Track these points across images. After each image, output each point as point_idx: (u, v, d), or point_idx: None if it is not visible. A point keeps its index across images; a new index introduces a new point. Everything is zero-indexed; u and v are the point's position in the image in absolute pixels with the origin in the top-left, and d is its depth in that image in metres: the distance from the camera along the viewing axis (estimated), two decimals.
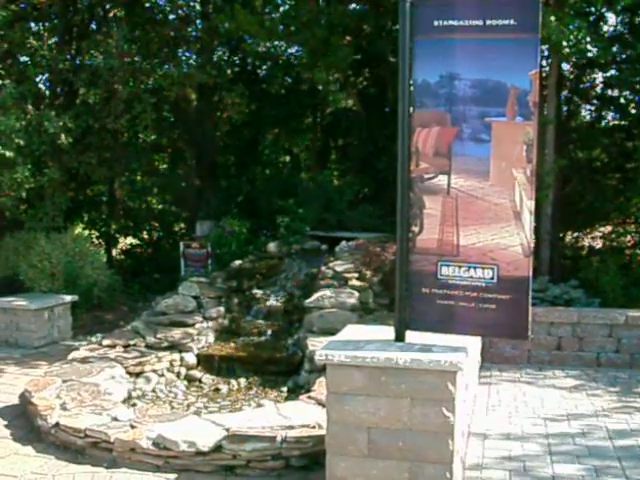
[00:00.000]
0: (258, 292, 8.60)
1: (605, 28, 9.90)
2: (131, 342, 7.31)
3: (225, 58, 12.20)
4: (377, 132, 11.22)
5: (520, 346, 7.33)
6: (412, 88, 4.20)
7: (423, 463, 4.01)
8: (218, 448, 4.78)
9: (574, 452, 5.02)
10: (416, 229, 4.29)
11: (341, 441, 4.14)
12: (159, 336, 7.37)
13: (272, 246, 9.35)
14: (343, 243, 9.18)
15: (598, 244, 11.12)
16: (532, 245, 4.06)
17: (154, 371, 7.06)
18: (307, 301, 7.88)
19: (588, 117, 12.07)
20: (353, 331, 4.72)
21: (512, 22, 4.03)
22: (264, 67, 12.18)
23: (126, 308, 9.94)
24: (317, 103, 12.20)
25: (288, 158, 13.28)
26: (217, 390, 6.99)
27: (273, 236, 9.92)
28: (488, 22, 4.07)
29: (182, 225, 12.92)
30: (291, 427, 5.00)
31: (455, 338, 4.27)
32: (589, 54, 8.62)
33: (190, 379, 7.26)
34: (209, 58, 11.37)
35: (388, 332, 4.49)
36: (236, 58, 12.03)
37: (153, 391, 6.90)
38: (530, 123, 4.02)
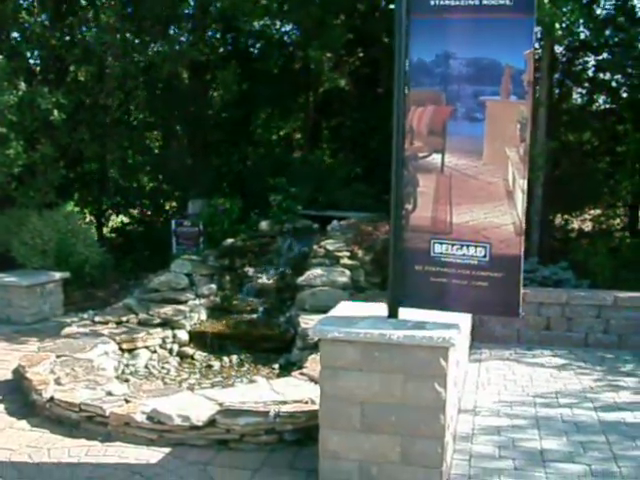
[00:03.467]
0: (250, 270, 8.64)
1: (598, 11, 9.92)
2: (124, 319, 7.35)
3: (218, 36, 12.12)
4: (369, 112, 11.23)
5: (510, 326, 7.44)
6: (408, 67, 4.23)
7: (415, 437, 4.09)
8: (212, 422, 4.83)
9: (562, 428, 5.13)
10: (410, 207, 4.32)
11: (334, 415, 4.20)
12: (151, 313, 7.41)
13: (264, 224, 9.38)
14: (334, 222, 9.22)
15: (588, 227, 11.23)
16: (524, 224, 4.11)
17: (147, 347, 7.10)
18: (299, 279, 7.94)
19: (579, 100, 12.12)
20: (346, 308, 4.77)
21: (508, 2, 4.05)
22: (257, 46, 12.12)
23: (117, 285, 9.95)
24: (310, 82, 12.18)
25: (280, 137, 13.25)
26: (209, 367, 7.05)
27: (265, 215, 9.93)
28: (484, 2, 4.09)
29: (174, 203, 12.91)
30: (284, 402, 5.06)
31: (447, 315, 4.33)
32: (582, 37, 8.65)
33: (182, 356, 7.31)
34: (201, 36, 11.29)
35: (381, 309, 4.54)
36: (229, 36, 11.95)
37: (146, 367, 6.95)
38: (524, 102, 4.05)
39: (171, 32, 11.11)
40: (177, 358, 7.26)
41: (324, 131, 13.04)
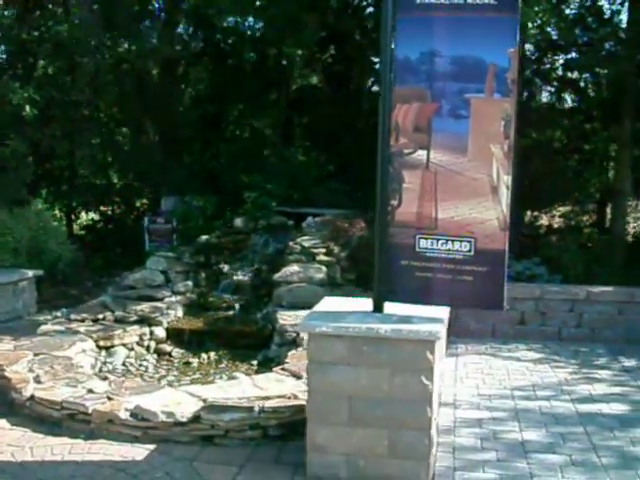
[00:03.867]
0: (225, 267, 8.62)
1: (567, 11, 10.12)
2: (100, 316, 7.27)
3: (189, 33, 12.04)
4: (342, 109, 11.28)
5: (484, 320, 7.56)
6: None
7: (402, 430, 4.14)
8: (196, 418, 4.82)
9: (541, 420, 5.24)
10: (395, 203, 4.38)
11: (322, 410, 4.24)
12: (128, 310, 7.35)
13: (239, 221, 9.37)
14: (309, 219, 9.25)
15: (557, 223, 11.45)
16: (508, 219, 4.20)
17: (124, 345, 7.04)
18: (276, 276, 7.95)
19: (548, 99, 12.35)
20: (331, 303, 4.80)
21: (492, 1, 4.13)
22: (229, 41, 12.05)
23: (90, 283, 9.85)
24: (282, 79, 12.17)
25: (252, 134, 13.22)
26: (187, 364, 7.02)
27: (239, 212, 9.91)
28: (469, 0, 4.17)
29: (144, 201, 12.79)
30: (267, 398, 5.07)
31: (430, 309, 4.40)
32: (553, 36, 8.81)
33: (160, 353, 7.26)
34: (172, 32, 11.21)
35: (366, 304, 4.59)
36: (201, 33, 11.88)
37: (123, 365, 6.89)
38: (508, 100, 4.14)
39: (142, 28, 11.02)
40: (154, 355, 7.21)
41: (296, 128, 13.06)
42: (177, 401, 5.00)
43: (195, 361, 7.05)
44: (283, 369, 5.81)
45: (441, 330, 4.09)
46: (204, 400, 5.01)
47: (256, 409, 4.88)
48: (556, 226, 11.27)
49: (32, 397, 5.22)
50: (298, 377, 5.61)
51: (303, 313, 7.26)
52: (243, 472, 4.37)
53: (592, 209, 11.22)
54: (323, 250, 8.36)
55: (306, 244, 8.42)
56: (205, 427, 4.83)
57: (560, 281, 8.16)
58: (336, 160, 11.15)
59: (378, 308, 4.41)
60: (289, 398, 5.10)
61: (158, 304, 7.60)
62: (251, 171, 10.33)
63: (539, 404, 5.58)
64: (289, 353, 6.37)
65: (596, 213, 11.22)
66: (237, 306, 8.01)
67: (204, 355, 7.16)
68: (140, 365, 6.94)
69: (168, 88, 11.57)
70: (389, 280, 4.38)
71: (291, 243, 8.54)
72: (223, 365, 7.01)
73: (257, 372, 6.69)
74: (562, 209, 11.44)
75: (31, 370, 5.71)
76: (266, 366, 6.91)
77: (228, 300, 8.09)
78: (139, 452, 4.65)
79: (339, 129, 11.20)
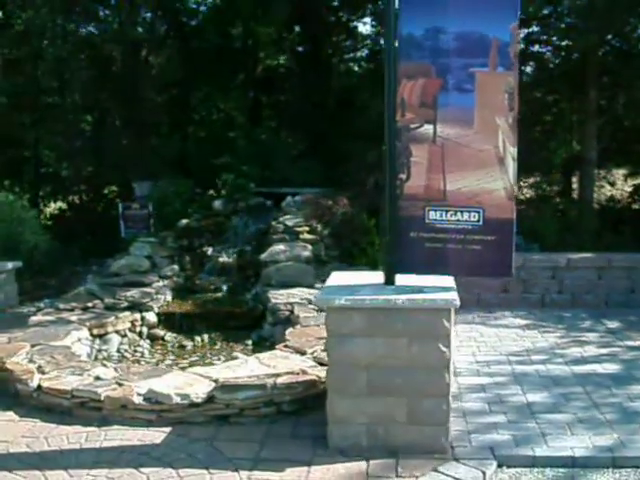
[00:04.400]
0: (209, 249, 8.63)
1: None
2: (89, 304, 7.21)
3: (155, 15, 11.82)
4: (311, 88, 11.28)
5: (470, 290, 7.74)
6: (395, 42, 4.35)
7: (421, 397, 4.28)
8: (211, 399, 4.86)
9: (540, 382, 5.45)
10: (403, 176, 4.47)
11: (342, 382, 4.34)
12: (118, 297, 7.31)
13: (217, 204, 9.35)
14: (288, 198, 9.30)
15: (527, 194, 11.73)
16: (515, 188, 4.34)
17: (117, 332, 7.01)
18: (262, 256, 8.00)
19: None
20: (341, 277, 4.89)
21: None
22: (193, 22, 11.87)
23: (67, 272, 9.70)
24: (250, 60, 12.09)
25: (220, 116, 13.11)
26: (182, 347, 7.04)
27: (213, 195, 9.89)
28: None
29: (113, 187, 12.59)
30: (277, 375, 5.13)
31: (437, 279, 4.54)
32: None
33: (153, 338, 7.26)
34: (136, 15, 11.01)
35: (375, 277, 4.71)
36: (164, 15, 11.67)
37: (118, 351, 6.88)
38: (511, 73, 4.26)
39: (104, 12, 10.80)
40: (148, 340, 7.20)
41: (265, 109, 13.00)
42: (189, 383, 5.03)
43: (189, 344, 7.07)
44: (286, 346, 5.88)
45: (456, 298, 4.22)
46: (215, 380, 5.05)
47: (269, 386, 4.95)
48: (527, 197, 11.56)
49: (39, 387, 5.18)
50: (302, 353, 5.70)
51: (294, 291, 7.48)
52: (265, 448, 4.43)
53: (559, 179, 11.55)
54: (306, 228, 8.44)
55: (289, 223, 8.48)
56: (220, 407, 4.88)
57: (538, 249, 8.41)
58: (307, 139, 11.18)
59: (389, 280, 4.52)
60: (298, 374, 5.18)
61: (147, 289, 7.57)
62: (221, 153, 10.28)
63: (536, 368, 5.79)
64: (287, 331, 6.42)
65: (563, 183, 11.56)
66: (224, 288, 8.04)
67: (197, 338, 7.18)
68: (135, 351, 6.93)
69: (133, 72, 11.37)
70: (399, 252, 4.50)
71: (274, 223, 8.59)
72: (218, 346, 7.05)
73: (253, 351, 6.76)
74: (530, 180, 11.73)
75: (32, 361, 5.65)
76: (261, 345, 6.99)
77: (215, 282, 8.12)
78: (156, 435, 4.67)
79: (309, 108, 11.22)
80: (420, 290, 4.34)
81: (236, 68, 12.14)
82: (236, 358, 6.17)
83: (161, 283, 7.84)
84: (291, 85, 11.91)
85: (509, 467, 4.19)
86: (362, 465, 4.18)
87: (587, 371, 5.68)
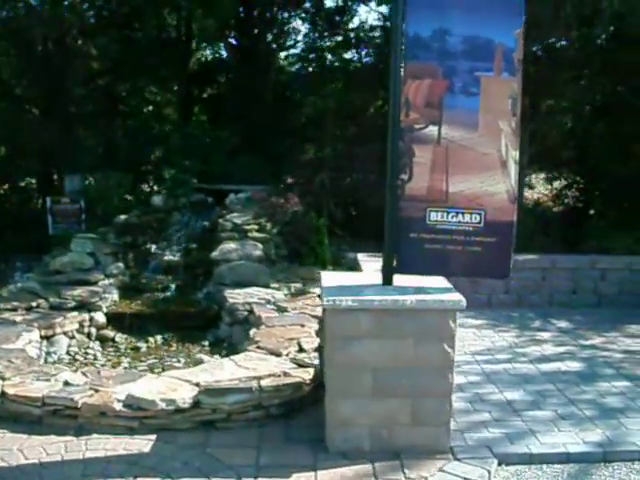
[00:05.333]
0: (153, 247, 8.29)
1: None
2: (33, 304, 6.74)
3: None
4: (248, 83, 11.07)
5: None
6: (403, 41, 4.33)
7: (425, 398, 4.28)
8: (196, 404, 4.67)
9: (512, 381, 5.60)
10: (405, 177, 4.45)
11: (346, 384, 4.27)
12: (65, 296, 6.88)
13: (157, 200, 9.01)
14: (232, 195, 9.10)
15: None
16: (517, 192, 4.43)
17: (64, 333, 6.59)
18: (213, 254, 7.78)
19: None
20: (335, 278, 4.83)
21: None
22: (126, 10, 11.29)
23: None
24: (184, 52, 11.70)
25: (155, 108, 12.63)
26: (136, 349, 6.71)
27: (149, 189, 9.52)
28: None
29: (32, 180, 11.82)
30: (259, 377, 4.98)
31: (431, 280, 4.57)
32: None
33: (102, 339, 6.88)
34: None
35: (369, 277, 4.69)
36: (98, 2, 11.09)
37: (68, 354, 6.47)
38: (515, 79, 4.33)
39: None
40: (97, 342, 6.82)
41: (199, 103, 12.62)
42: (171, 388, 4.80)
43: (143, 345, 6.76)
44: (259, 347, 5.73)
45: (463, 299, 4.26)
46: (196, 384, 4.85)
47: (255, 389, 4.81)
48: None
49: (3, 394, 4.78)
50: (277, 355, 5.57)
51: (250, 291, 7.34)
52: (263, 454, 4.29)
53: None
54: (255, 227, 8.27)
55: (237, 221, 8.29)
56: (206, 412, 4.68)
57: None
58: (243, 135, 10.95)
59: (387, 281, 4.50)
60: (279, 376, 5.07)
61: (94, 288, 7.17)
62: (152, 147, 9.92)
63: (503, 367, 5.94)
64: (251, 331, 6.25)
65: None
66: (172, 287, 7.75)
67: (151, 339, 6.88)
68: (86, 353, 6.55)
69: (59, 59, 10.70)
70: (398, 253, 4.48)
71: (221, 220, 8.37)
72: (173, 348, 6.78)
73: (211, 352, 6.57)
74: None
75: None
76: (218, 346, 6.81)
77: (162, 281, 7.81)
78: (142, 444, 4.41)
79: (246, 103, 11.00)
80: (422, 291, 4.35)
81: (169, 60, 11.72)
82: (200, 361, 5.95)
83: (107, 282, 7.44)
84: (227, 79, 11.64)
85: (508, 465, 4.26)
86: (368, 467, 4.14)
87: (552, 369, 5.89)
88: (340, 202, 8.90)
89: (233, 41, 11.50)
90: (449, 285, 4.56)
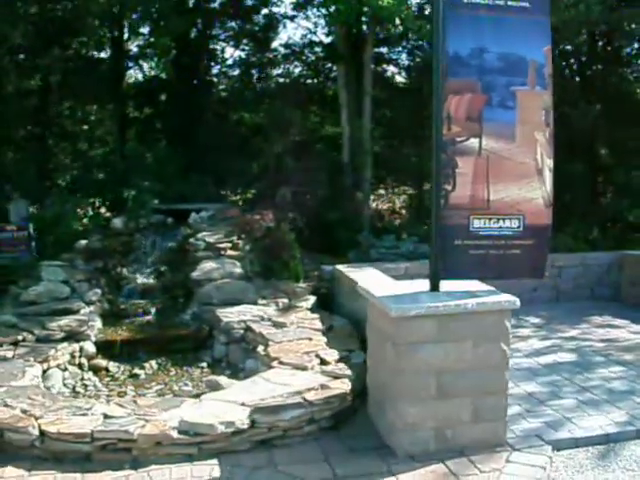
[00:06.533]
0: (123, 271, 8.01)
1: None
2: (19, 337, 6.33)
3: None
4: (189, 102, 10.92)
5: None
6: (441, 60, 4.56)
7: (484, 395, 4.52)
8: (252, 423, 4.65)
9: (521, 375, 5.94)
10: (449, 187, 4.68)
11: (413, 388, 4.42)
12: (51, 327, 6.52)
13: (117, 222, 8.69)
14: (194, 214, 8.96)
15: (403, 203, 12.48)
16: (551, 197, 4.76)
17: (57, 366, 6.26)
18: (194, 274, 7.64)
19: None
20: (383, 287, 4.95)
21: (527, 5, 4.65)
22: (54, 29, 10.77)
23: None
24: (120, 71, 11.32)
25: (91, 129, 12.08)
26: (135, 376, 6.46)
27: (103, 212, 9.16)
28: (509, 3, 4.63)
29: None
30: (299, 392, 5.03)
31: (469, 283, 4.83)
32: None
33: (95, 369, 6.54)
34: None
35: (413, 285, 4.87)
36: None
37: (66, 386, 6.13)
38: (547, 92, 4.69)
39: None
40: (90, 372, 6.50)
41: (136, 122, 12.22)
42: (223, 410, 4.74)
43: (141, 372, 6.52)
44: (282, 363, 5.73)
45: (517, 299, 4.54)
46: (242, 404, 4.83)
47: (305, 404, 4.84)
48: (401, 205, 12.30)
49: (42, 434, 4.52)
50: (303, 369, 5.60)
51: (240, 309, 7.32)
52: (336, 466, 4.34)
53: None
54: (229, 245, 8.19)
55: (210, 239, 8.18)
56: (263, 430, 4.67)
57: None
58: (191, 154, 10.77)
59: (434, 287, 4.71)
60: (318, 390, 5.12)
61: (78, 317, 6.83)
62: (100, 168, 9.57)
63: None
64: (259, 348, 6.22)
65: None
66: (152, 310, 7.53)
67: (146, 365, 6.65)
68: (85, 385, 6.22)
69: None
70: (444, 259, 4.69)
71: (192, 240, 8.23)
72: (173, 372, 6.60)
73: (212, 373, 6.46)
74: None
75: (7, 405, 4.89)
76: (217, 367, 6.71)
77: (141, 305, 7.57)
78: (208, 470, 4.34)
79: (188, 122, 10.83)
80: (473, 295, 4.59)
81: (104, 79, 11.29)
82: (216, 383, 5.84)
83: (88, 309, 7.12)
84: (169, 98, 11.38)
85: (559, 450, 4.57)
86: (442, 467, 4.31)
87: (550, 362, 6.31)
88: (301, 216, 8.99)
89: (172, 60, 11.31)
90: (490, 288, 4.82)
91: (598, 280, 8.72)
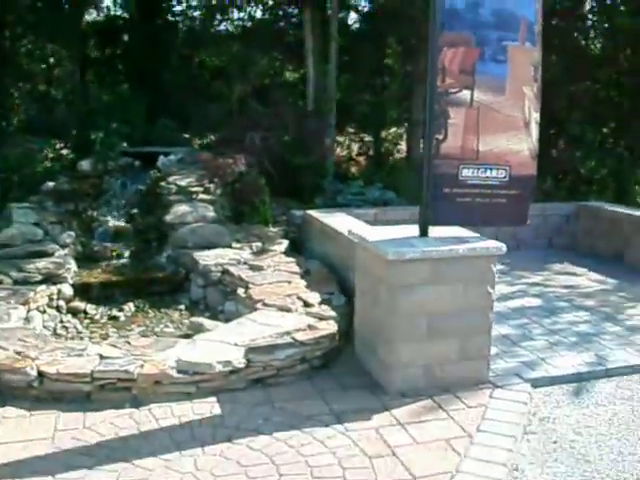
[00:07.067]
0: (94, 213, 7.94)
1: None
2: None
3: None
4: (152, 43, 10.63)
5: None
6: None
7: (471, 335, 4.79)
8: (247, 362, 4.81)
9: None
10: (440, 137, 4.83)
11: (407, 328, 4.65)
12: (28, 269, 6.47)
13: (85, 164, 8.55)
14: (163, 158, 8.89)
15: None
16: (537, 149, 4.98)
17: (37, 308, 6.25)
18: (168, 217, 7.66)
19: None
20: (374, 232, 5.12)
21: None
22: None
23: None
24: (81, 8, 10.85)
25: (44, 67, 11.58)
26: (115, 318, 6.52)
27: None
28: None
29: None
30: (288, 333, 5.20)
31: (455, 229, 5.06)
32: None
33: (74, 312, 6.57)
34: None
35: (403, 230, 5.06)
36: None
37: (47, 329, 6.15)
38: (536, 49, 4.86)
39: None
40: (69, 315, 6.52)
41: (101, 63, 11.80)
42: (217, 349, 4.88)
43: (120, 314, 6.58)
44: (265, 304, 5.87)
45: (504, 245, 4.78)
46: (235, 345, 4.98)
47: (297, 344, 5.02)
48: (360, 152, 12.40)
49: (41, 374, 4.57)
50: (288, 310, 5.77)
51: (218, 252, 7.43)
52: (331, 402, 4.53)
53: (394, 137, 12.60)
54: (201, 189, 8.20)
55: (181, 183, 8.16)
56: (257, 369, 4.82)
57: (407, 203, 9.21)
58: (156, 96, 10.55)
59: (424, 232, 4.91)
60: (305, 330, 5.30)
61: (54, 259, 6.79)
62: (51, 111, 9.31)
63: None
64: (240, 291, 6.33)
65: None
66: (126, 253, 7.54)
67: (125, 307, 6.71)
68: (65, 327, 6.26)
69: None
70: (433, 206, 4.88)
71: (163, 183, 8.20)
72: (152, 314, 6.68)
73: (191, 315, 6.58)
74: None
75: (0, 347, 4.90)
76: (195, 309, 6.84)
77: (115, 248, 7.55)
78: (208, 407, 4.47)
79: (152, 64, 10.57)
80: (462, 240, 4.81)
81: (64, 16, 10.80)
82: (200, 325, 5.96)
83: (62, 252, 7.07)
84: (131, 39, 11.03)
85: (536, 387, 4.90)
86: (431, 402, 4.57)
87: (518, 306, 6.66)
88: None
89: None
90: (475, 234, 5.05)
91: (557, 230, 9.13)
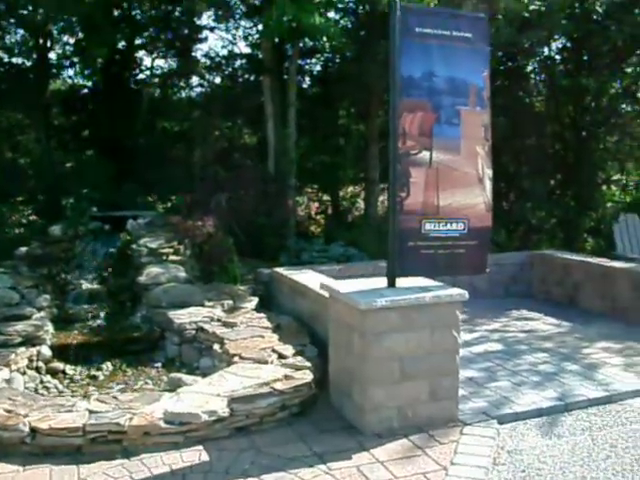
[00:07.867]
0: (68, 277, 8.12)
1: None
2: None
3: None
4: (119, 111, 11.01)
5: None
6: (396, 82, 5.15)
7: (440, 377, 5.14)
8: (231, 412, 5.05)
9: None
10: (404, 194, 5.28)
11: (379, 373, 4.98)
12: (7, 332, 6.61)
13: (56, 229, 8.77)
14: (132, 221, 9.16)
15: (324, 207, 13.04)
16: (491, 202, 5.46)
17: (17, 370, 6.38)
18: (141, 279, 7.88)
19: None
20: (344, 285, 5.47)
21: (469, 35, 5.33)
22: None
23: None
24: (47, 80, 11.19)
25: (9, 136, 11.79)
26: (94, 377, 6.66)
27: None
28: (454, 33, 5.29)
29: None
30: (266, 383, 5.47)
31: (421, 280, 5.46)
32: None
33: (52, 372, 6.68)
34: None
35: (371, 283, 5.44)
36: None
37: (27, 389, 6.26)
38: (485, 112, 5.39)
39: None
40: (48, 376, 6.64)
41: (65, 130, 12.08)
42: (204, 401, 5.11)
43: (99, 374, 6.73)
44: (242, 358, 6.13)
45: (465, 292, 5.19)
46: (218, 395, 5.23)
47: (277, 393, 5.29)
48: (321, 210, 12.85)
49: (33, 430, 4.73)
50: (265, 362, 6.04)
51: (191, 310, 7.68)
52: (313, 445, 4.81)
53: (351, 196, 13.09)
54: (171, 250, 8.48)
55: (152, 245, 8.43)
56: (241, 418, 5.06)
57: (368, 258, 9.64)
58: (121, 162, 10.86)
59: (391, 283, 5.30)
60: (282, 380, 5.57)
61: (32, 322, 6.94)
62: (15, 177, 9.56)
63: None
64: (215, 346, 6.57)
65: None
66: (102, 314, 7.72)
67: (103, 367, 6.86)
68: (46, 387, 6.37)
69: None
70: (399, 259, 5.29)
71: (134, 246, 8.46)
72: (129, 372, 6.85)
73: (167, 372, 6.76)
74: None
75: None
76: (171, 366, 7.01)
77: (90, 310, 7.74)
78: (197, 455, 4.70)
79: (118, 130, 10.92)
80: (426, 289, 5.21)
81: (29, 86, 11.13)
82: (179, 380, 6.16)
83: (39, 315, 7.22)
84: (96, 106, 11.38)
85: (502, 423, 5.26)
86: (406, 441, 4.88)
87: (481, 351, 7.04)
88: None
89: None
90: (439, 283, 5.46)
91: (512, 278, 9.65)
